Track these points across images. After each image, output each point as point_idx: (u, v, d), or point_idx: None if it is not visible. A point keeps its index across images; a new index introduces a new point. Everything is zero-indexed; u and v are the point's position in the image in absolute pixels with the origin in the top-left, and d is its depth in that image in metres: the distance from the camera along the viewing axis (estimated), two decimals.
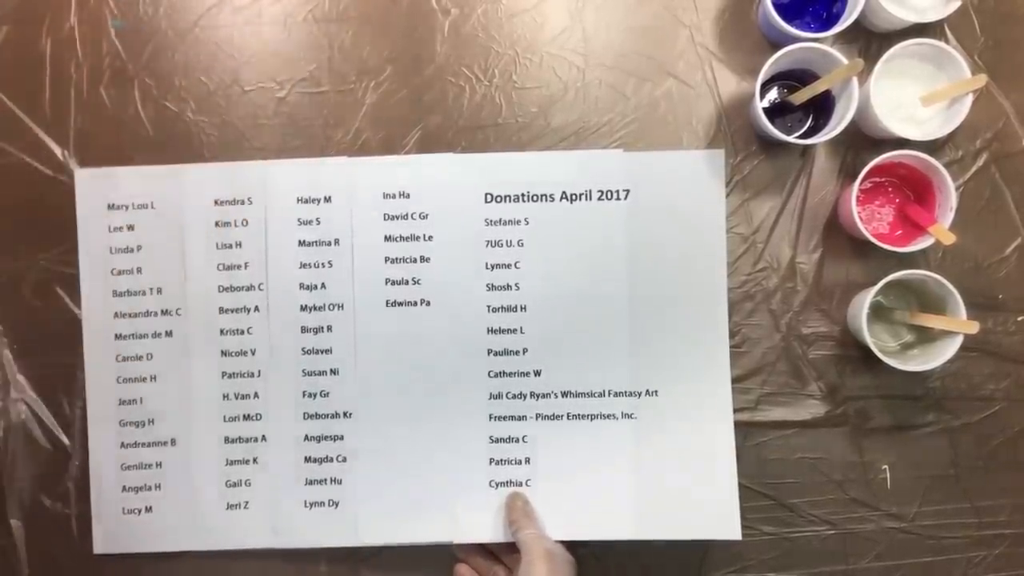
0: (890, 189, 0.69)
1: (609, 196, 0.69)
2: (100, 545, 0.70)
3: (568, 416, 0.69)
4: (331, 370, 0.70)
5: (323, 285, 0.70)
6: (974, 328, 0.63)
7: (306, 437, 0.70)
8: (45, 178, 0.71)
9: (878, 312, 0.68)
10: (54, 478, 0.71)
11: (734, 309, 0.69)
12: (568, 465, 0.69)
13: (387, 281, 0.70)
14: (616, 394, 0.69)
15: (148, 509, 0.70)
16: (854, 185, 0.65)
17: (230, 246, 0.70)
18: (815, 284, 0.70)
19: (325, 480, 0.70)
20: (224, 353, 0.70)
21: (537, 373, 0.70)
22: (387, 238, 0.70)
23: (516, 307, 0.70)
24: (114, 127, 0.71)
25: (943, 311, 0.66)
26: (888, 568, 0.69)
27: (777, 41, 0.68)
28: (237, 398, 0.70)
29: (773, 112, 0.68)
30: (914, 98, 0.65)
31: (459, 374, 0.69)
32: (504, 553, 0.68)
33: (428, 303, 0.70)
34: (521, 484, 0.69)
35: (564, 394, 0.69)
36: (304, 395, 0.70)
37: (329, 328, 0.70)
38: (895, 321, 0.68)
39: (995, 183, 0.69)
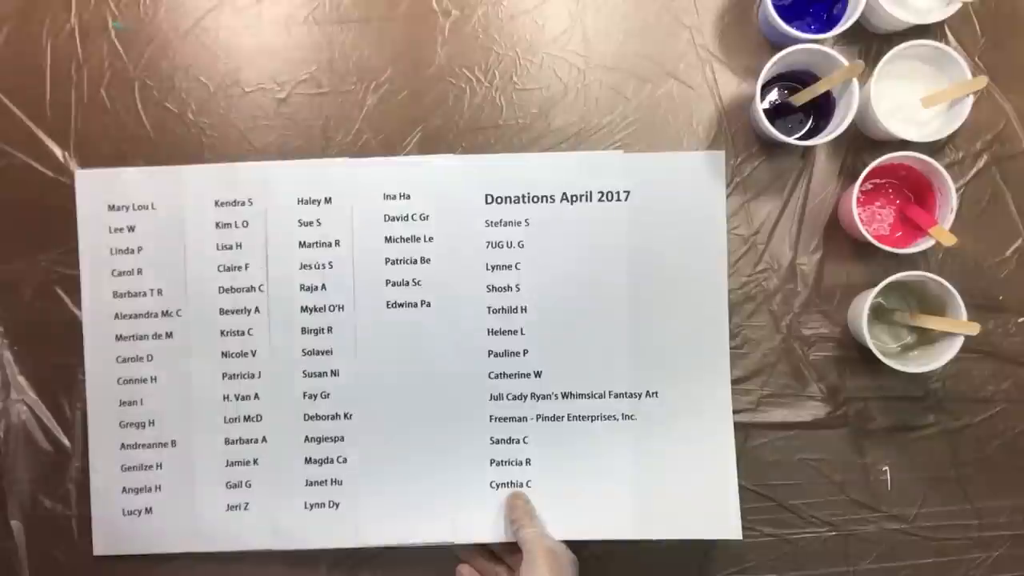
0: (890, 190, 0.69)
1: (609, 197, 0.69)
2: (100, 546, 0.70)
3: (568, 417, 0.69)
4: (331, 371, 0.70)
5: (323, 286, 0.70)
6: (974, 329, 0.63)
7: (306, 438, 0.70)
8: (46, 179, 0.71)
9: (878, 313, 0.68)
10: (54, 479, 0.70)
11: (734, 310, 0.69)
12: (568, 466, 0.69)
13: (387, 282, 0.70)
14: (616, 395, 0.69)
15: (148, 510, 0.70)
16: (854, 186, 0.65)
17: (230, 247, 0.70)
18: (816, 285, 0.70)
19: (325, 481, 0.70)
20: (224, 354, 0.70)
21: (537, 374, 0.69)
22: (387, 239, 0.70)
23: (516, 308, 0.69)
24: (115, 128, 0.71)
25: (943, 312, 0.66)
26: (889, 569, 0.69)
27: (778, 42, 0.68)
28: (237, 399, 0.70)
29: (774, 113, 0.68)
30: (915, 99, 0.65)
31: (459, 375, 0.69)
32: (506, 553, 0.68)
33: (428, 304, 0.69)
34: (522, 485, 0.69)
35: (564, 395, 0.69)
36: (304, 396, 0.70)
37: (329, 329, 0.70)
38: (895, 322, 0.68)
39: (996, 184, 0.69)
